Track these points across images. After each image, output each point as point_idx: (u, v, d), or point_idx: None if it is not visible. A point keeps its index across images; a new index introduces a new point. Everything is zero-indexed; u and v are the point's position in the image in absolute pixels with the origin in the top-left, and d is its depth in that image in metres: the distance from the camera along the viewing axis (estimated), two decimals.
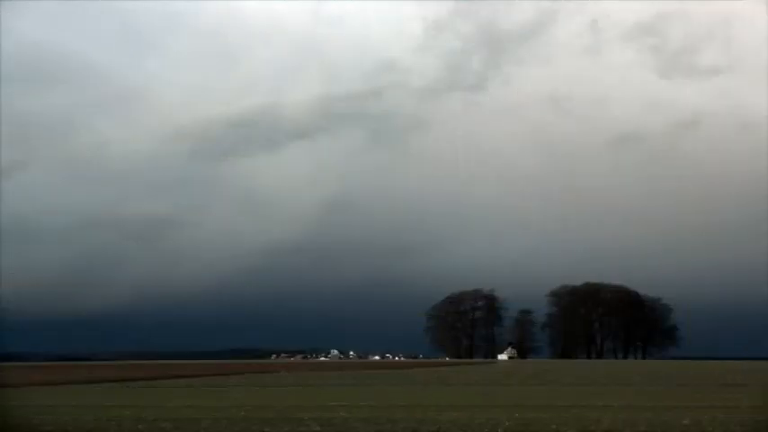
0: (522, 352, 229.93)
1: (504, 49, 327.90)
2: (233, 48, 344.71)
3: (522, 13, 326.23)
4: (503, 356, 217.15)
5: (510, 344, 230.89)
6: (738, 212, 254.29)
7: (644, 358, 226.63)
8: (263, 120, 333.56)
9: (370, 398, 42.45)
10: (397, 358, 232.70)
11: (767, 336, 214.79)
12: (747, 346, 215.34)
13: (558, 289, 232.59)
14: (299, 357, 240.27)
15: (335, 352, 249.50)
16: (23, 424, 28.27)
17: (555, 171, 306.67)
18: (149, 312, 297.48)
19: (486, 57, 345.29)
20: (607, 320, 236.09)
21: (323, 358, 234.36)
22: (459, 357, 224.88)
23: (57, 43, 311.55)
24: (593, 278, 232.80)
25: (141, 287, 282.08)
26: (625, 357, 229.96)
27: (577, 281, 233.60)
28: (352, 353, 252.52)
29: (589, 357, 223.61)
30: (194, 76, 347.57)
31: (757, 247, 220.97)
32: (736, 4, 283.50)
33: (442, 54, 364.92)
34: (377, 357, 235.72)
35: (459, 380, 72.98)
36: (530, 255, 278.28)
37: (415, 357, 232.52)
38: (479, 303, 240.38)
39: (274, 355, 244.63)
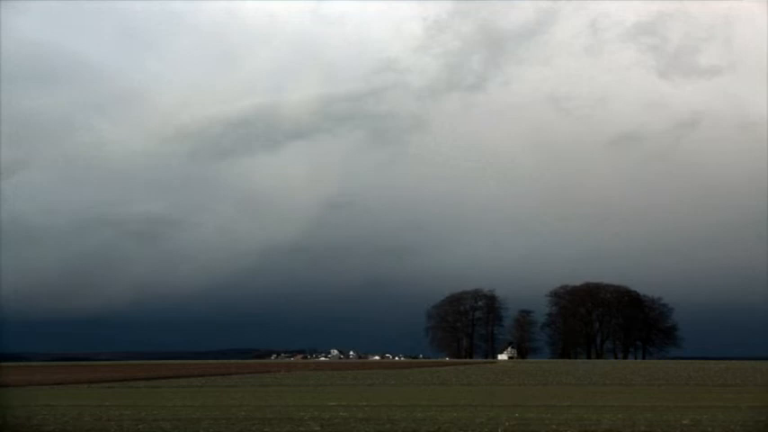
0: (522, 352, 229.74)
1: (504, 49, 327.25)
2: (233, 48, 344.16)
3: (522, 13, 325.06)
4: (503, 356, 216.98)
5: (510, 344, 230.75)
6: (738, 212, 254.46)
7: (644, 358, 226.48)
8: (262, 120, 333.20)
9: (370, 398, 42.45)
10: (397, 358, 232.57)
11: (767, 336, 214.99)
12: (747, 346, 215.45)
13: (558, 289, 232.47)
14: (299, 357, 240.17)
15: (335, 352, 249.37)
16: (23, 424, 28.28)
17: (555, 171, 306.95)
18: (149, 312, 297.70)
19: (486, 57, 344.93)
20: (607, 320, 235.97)
21: (323, 358, 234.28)
22: (460, 357, 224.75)
23: (57, 43, 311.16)
24: (593, 278, 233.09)
25: (141, 287, 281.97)
26: (625, 357, 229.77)
27: (577, 281, 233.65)
28: (352, 353, 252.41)
29: (589, 357, 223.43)
30: (194, 76, 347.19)
31: (757, 247, 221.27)
32: (736, 4, 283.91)
33: (442, 54, 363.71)
34: (377, 357, 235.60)
35: (459, 380, 72.99)
36: (530, 255, 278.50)
37: (415, 357, 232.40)
38: (479, 303, 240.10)
39: (274, 355, 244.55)
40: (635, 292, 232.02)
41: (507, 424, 26.08)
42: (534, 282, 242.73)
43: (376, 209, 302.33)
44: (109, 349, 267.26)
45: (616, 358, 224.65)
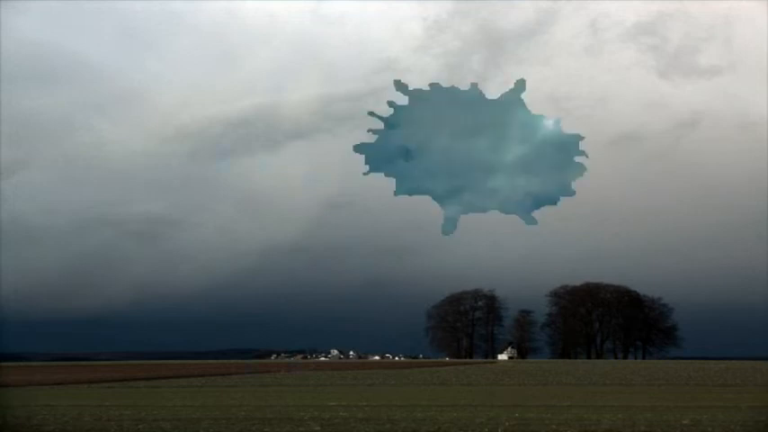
0: (522, 352, 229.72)
1: (504, 49, 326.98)
2: (233, 48, 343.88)
3: (522, 13, 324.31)
4: (503, 356, 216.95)
5: (510, 344, 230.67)
6: (738, 212, 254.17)
7: (644, 358, 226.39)
8: (262, 120, 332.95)
9: (370, 398, 42.44)
10: (397, 358, 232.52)
11: (767, 336, 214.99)
12: (747, 346, 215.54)
13: (558, 289, 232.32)
14: (299, 357, 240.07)
15: (335, 352, 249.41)
16: (23, 424, 28.27)
17: None
18: (149, 312, 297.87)
19: (486, 57, 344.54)
20: (607, 320, 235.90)
21: (323, 358, 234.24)
22: (460, 357, 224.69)
23: (57, 43, 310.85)
24: (593, 278, 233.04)
25: (141, 287, 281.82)
26: (625, 357, 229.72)
27: (577, 281, 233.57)
28: (352, 353, 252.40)
29: (589, 357, 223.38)
30: (194, 76, 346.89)
31: (757, 247, 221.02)
32: (736, 4, 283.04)
33: (442, 54, 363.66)
34: (377, 357, 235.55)
35: (459, 380, 73.00)
36: (530, 255, 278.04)
37: (415, 357, 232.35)
38: (479, 303, 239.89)
39: (274, 355, 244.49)
40: (635, 292, 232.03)
41: (507, 424, 26.07)
42: (534, 282, 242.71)
43: (376, 209, 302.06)
44: (109, 349, 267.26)
45: (616, 358, 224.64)
